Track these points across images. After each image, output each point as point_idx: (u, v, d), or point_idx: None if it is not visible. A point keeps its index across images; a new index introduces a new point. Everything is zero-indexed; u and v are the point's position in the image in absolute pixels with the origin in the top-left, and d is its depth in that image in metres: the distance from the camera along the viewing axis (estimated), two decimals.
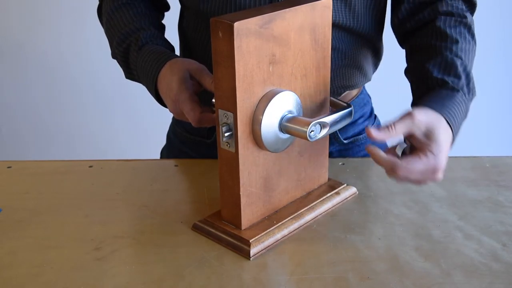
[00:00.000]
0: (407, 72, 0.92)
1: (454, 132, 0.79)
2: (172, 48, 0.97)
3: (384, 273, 0.70)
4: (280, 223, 0.79)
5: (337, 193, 0.86)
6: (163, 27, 1.03)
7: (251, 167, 0.75)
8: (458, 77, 0.84)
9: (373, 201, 0.86)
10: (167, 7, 1.07)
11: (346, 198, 0.86)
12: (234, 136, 0.71)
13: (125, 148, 2.39)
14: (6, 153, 2.41)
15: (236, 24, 0.66)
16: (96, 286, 0.69)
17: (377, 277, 0.70)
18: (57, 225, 0.82)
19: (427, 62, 0.86)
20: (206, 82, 0.86)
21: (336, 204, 0.85)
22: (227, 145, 0.73)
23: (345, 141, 1.04)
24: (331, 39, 0.93)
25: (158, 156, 1.18)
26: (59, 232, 0.80)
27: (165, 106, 0.91)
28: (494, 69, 2.27)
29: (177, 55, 0.92)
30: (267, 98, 0.72)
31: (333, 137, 1.03)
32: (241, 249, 0.75)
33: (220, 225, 0.78)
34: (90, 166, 0.99)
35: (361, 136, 1.06)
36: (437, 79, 0.84)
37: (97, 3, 1.05)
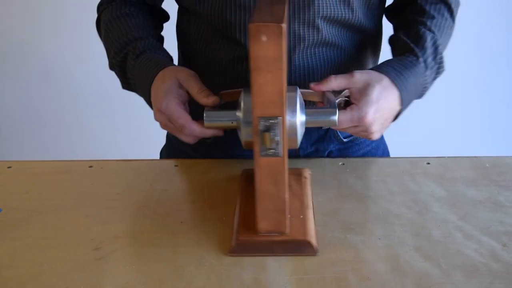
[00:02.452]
0: (388, 42, 0.98)
1: (402, 95, 0.85)
2: (170, 58, 0.96)
3: (384, 273, 0.70)
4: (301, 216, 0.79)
5: None
6: (162, 38, 1.03)
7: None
8: (425, 49, 0.90)
9: (373, 201, 0.86)
10: (166, 18, 1.06)
11: None
12: (281, 141, 0.70)
13: (125, 148, 2.39)
14: (6, 153, 2.41)
15: (283, 26, 0.65)
16: (96, 286, 0.69)
17: (377, 277, 0.70)
18: (57, 225, 0.82)
19: (402, 32, 0.93)
20: (193, 91, 0.84)
21: None
22: (270, 151, 0.71)
23: (345, 140, 1.04)
24: (329, 36, 0.93)
25: (158, 156, 1.18)
26: (59, 232, 0.80)
27: None
28: (494, 69, 2.27)
29: (174, 64, 0.91)
30: (292, 97, 0.76)
31: (333, 136, 1.03)
32: (304, 251, 0.74)
33: (265, 238, 0.75)
34: (90, 166, 0.99)
35: None
36: (406, 45, 0.90)
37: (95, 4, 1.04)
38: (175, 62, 1.08)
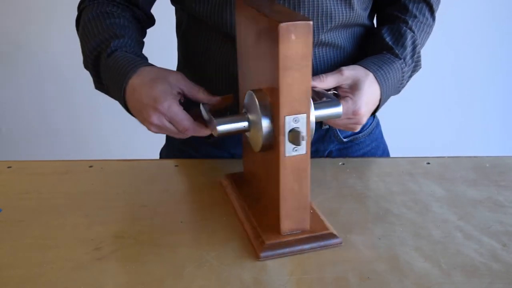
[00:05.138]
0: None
1: (382, 90, 0.89)
2: (145, 58, 0.93)
3: (384, 273, 0.70)
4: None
5: None
6: (141, 43, 0.97)
7: None
8: (404, 47, 0.94)
9: (373, 201, 0.86)
10: (151, 23, 1.03)
11: None
12: (306, 137, 0.70)
13: (125, 148, 2.39)
14: (6, 153, 2.41)
15: (311, 23, 0.65)
16: (96, 286, 0.69)
17: (377, 277, 0.70)
18: (57, 225, 0.82)
19: (384, 29, 0.97)
20: (190, 89, 0.84)
21: None
22: (294, 150, 0.70)
23: (344, 140, 1.04)
24: (330, 38, 0.93)
25: (158, 156, 1.18)
26: (59, 232, 0.80)
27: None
28: (494, 69, 2.27)
29: (150, 63, 0.88)
30: None
31: (333, 136, 1.03)
32: (331, 243, 0.76)
33: (291, 237, 0.75)
34: (90, 166, 0.99)
35: (360, 134, 1.06)
36: (386, 44, 0.94)
37: None
38: (175, 63, 1.08)
